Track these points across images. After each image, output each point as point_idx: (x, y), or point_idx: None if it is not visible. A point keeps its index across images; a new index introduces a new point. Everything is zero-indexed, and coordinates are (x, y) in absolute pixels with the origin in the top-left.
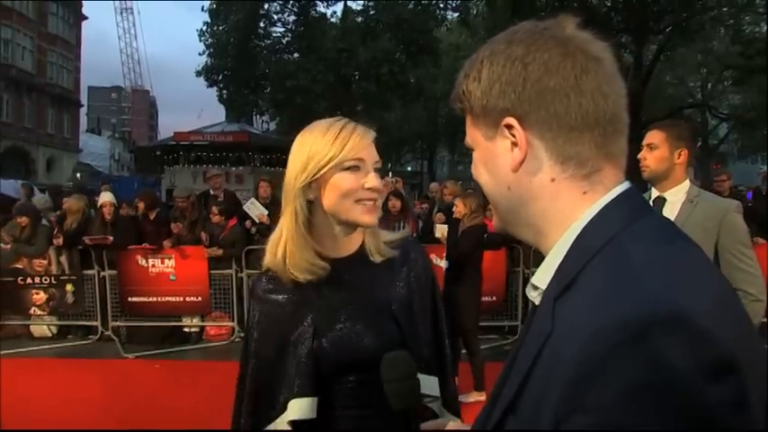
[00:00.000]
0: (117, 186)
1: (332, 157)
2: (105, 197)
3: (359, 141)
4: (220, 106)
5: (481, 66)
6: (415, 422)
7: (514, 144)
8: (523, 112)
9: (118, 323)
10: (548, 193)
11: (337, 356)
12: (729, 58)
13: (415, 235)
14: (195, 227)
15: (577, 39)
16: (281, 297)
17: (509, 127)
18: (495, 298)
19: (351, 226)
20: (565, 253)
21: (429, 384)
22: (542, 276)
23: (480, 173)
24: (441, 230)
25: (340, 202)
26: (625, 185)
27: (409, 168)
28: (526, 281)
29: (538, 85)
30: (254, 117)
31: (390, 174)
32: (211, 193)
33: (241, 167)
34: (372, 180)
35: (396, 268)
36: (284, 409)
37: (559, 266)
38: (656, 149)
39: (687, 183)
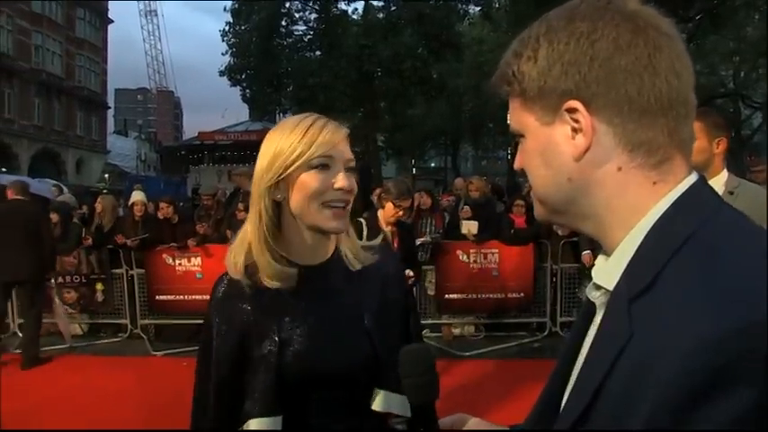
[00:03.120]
0: (145, 186)
1: (299, 155)
2: (137, 196)
3: (329, 137)
4: (244, 105)
5: (537, 44)
6: (432, 417)
7: (576, 130)
8: (589, 95)
9: (146, 321)
10: (614, 183)
11: (304, 371)
12: (764, 44)
13: (441, 231)
14: (221, 225)
15: (644, 13)
16: (244, 305)
17: (571, 111)
18: (522, 294)
19: (320, 231)
20: (635, 250)
21: (398, 403)
22: (607, 275)
23: (532, 162)
24: (467, 226)
25: (306, 204)
26: (695, 176)
27: (432, 164)
28: (555, 277)
29: (607, 64)
30: (278, 115)
31: (414, 170)
32: (241, 191)
33: None
34: (342, 180)
35: (370, 278)
36: (247, 426)
37: (630, 265)
38: (694, 140)
39: (725, 173)
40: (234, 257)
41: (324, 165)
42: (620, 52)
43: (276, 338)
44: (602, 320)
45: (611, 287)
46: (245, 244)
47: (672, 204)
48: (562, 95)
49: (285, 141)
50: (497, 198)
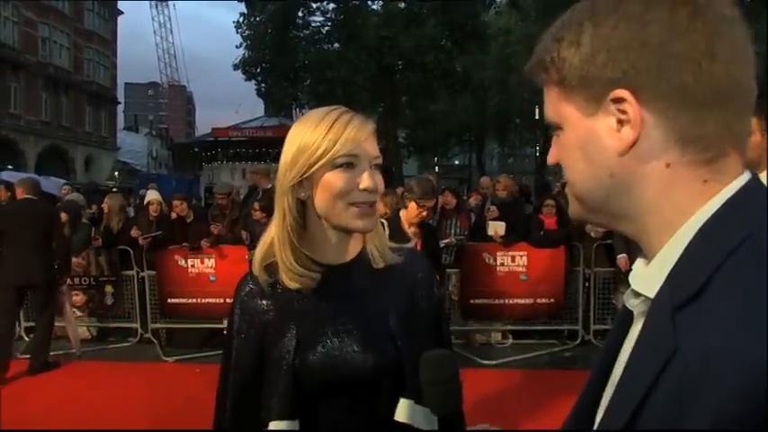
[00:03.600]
0: (156, 184)
1: (322, 153)
2: (152, 195)
3: (353, 135)
4: (259, 100)
5: (581, 28)
6: (457, 428)
7: (622, 122)
8: (639, 84)
9: (157, 325)
10: (660, 180)
11: (322, 375)
12: None
13: (466, 232)
14: (236, 225)
15: None
16: (264, 303)
17: (618, 101)
18: (553, 300)
19: (345, 231)
20: (680, 254)
21: (423, 416)
22: (647, 281)
23: (570, 157)
24: (494, 227)
25: (331, 204)
26: (748, 174)
27: (456, 162)
28: (587, 281)
29: (661, 50)
30: (294, 110)
31: (437, 168)
32: (257, 190)
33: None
34: (367, 180)
35: (397, 278)
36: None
37: (674, 270)
38: (751, 134)
39: None
40: (263, 255)
41: (349, 164)
42: (675, 37)
43: (294, 339)
44: (641, 331)
45: (651, 294)
46: (268, 241)
47: (723, 204)
48: (608, 84)
49: (309, 137)
50: (523, 199)
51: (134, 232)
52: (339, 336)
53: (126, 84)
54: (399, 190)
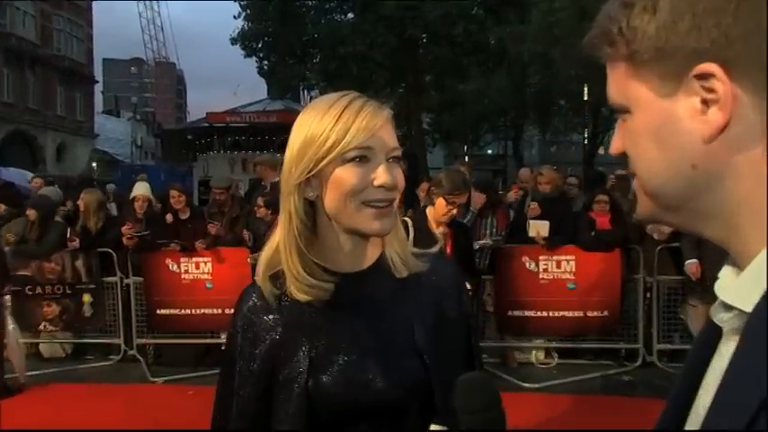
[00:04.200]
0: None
1: (331, 146)
2: (139, 188)
3: (366, 123)
4: (261, 80)
5: None
6: None
7: (709, 102)
8: (731, 55)
9: (144, 340)
10: (756, 172)
11: (338, 398)
12: None
13: (503, 233)
14: (236, 224)
15: None
16: (271, 319)
17: (703, 77)
18: (607, 313)
19: (360, 234)
20: None
21: None
22: (741, 292)
23: (641, 145)
24: (535, 227)
25: (342, 203)
26: None
27: (489, 151)
28: (649, 292)
29: (759, 14)
30: (302, 92)
31: (467, 158)
32: (262, 183)
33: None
34: (383, 175)
35: (422, 287)
36: None
37: None
38: None
39: None
40: (267, 263)
41: (362, 157)
42: None
43: (306, 358)
44: (738, 350)
45: (748, 308)
46: (273, 247)
47: None
48: (691, 57)
49: (316, 128)
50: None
51: (126, 228)
52: (357, 353)
53: (104, 60)
54: (425, 185)
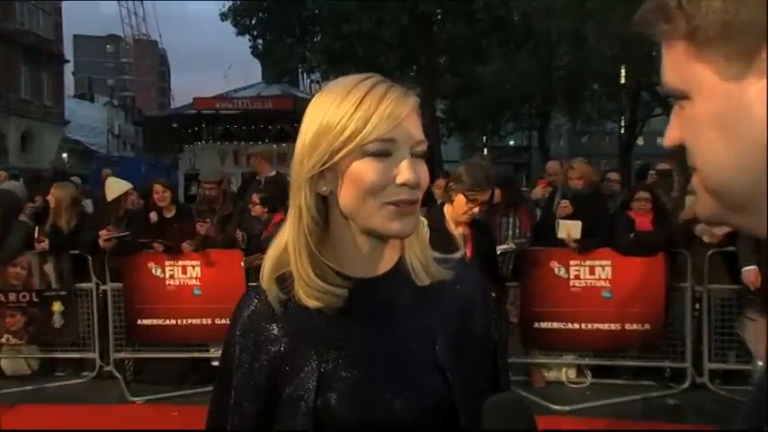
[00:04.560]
0: (118, 171)
1: (349, 137)
2: (118, 186)
3: (390, 111)
4: (255, 62)
5: None
6: None
7: None
8: None
9: (122, 355)
10: None
11: (350, 419)
12: None
13: (529, 234)
14: (228, 223)
15: None
16: (275, 327)
17: None
18: (648, 326)
19: (378, 236)
20: None
21: None
22: None
23: (703, 135)
24: (566, 228)
25: (360, 201)
26: None
27: (512, 142)
28: (698, 302)
29: None
30: (301, 76)
31: (485, 150)
32: (257, 178)
33: (285, 144)
34: (407, 171)
35: (445, 297)
36: None
37: None
38: None
39: None
40: (273, 266)
41: (383, 151)
42: None
43: (315, 374)
44: None
45: None
46: (281, 246)
47: None
48: (764, 33)
49: (333, 115)
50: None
51: (104, 232)
52: (372, 368)
53: (75, 36)
54: (440, 182)
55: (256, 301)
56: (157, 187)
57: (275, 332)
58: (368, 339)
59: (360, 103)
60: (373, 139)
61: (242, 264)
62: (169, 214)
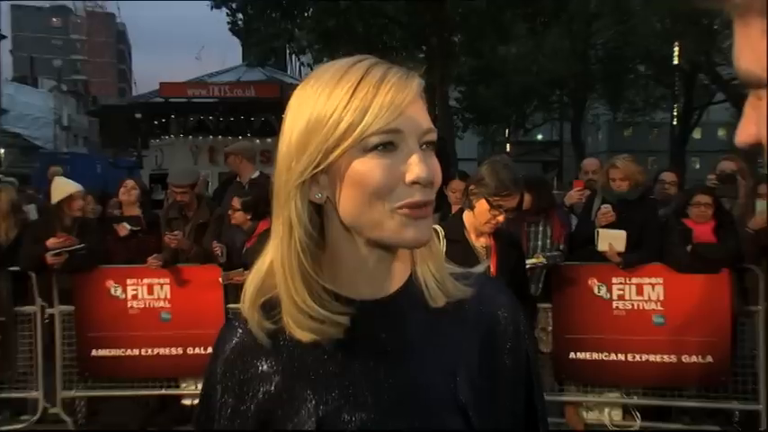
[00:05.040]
0: (69, 171)
1: (346, 131)
2: (67, 186)
3: (392, 98)
4: (233, 41)
5: None
6: None
7: None
8: None
9: (73, 393)
10: None
11: None
12: None
13: (562, 246)
14: (203, 234)
15: None
16: (264, 364)
17: None
18: (711, 359)
19: (386, 248)
20: None
21: None
22: None
23: None
24: (607, 239)
25: (366, 208)
26: None
27: (540, 137)
28: None
29: None
30: (290, 58)
31: (508, 146)
32: (237, 180)
33: (270, 139)
34: (418, 167)
35: (466, 321)
36: None
37: None
38: None
39: None
40: (257, 292)
41: (387, 144)
42: None
43: (313, 417)
44: None
45: None
46: (264, 268)
47: None
48: None
49: (324, 107)
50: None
51: (53, 241)
52: (380, 410)
53: (13, 6)
54: (455, 184)
55: (241, 331)
56: (128, 183)
57: (264, 369)
58: (374, 374)
59: (355, 90)
60: (375, 131)
61: (220, 280)
62: (138, 225)
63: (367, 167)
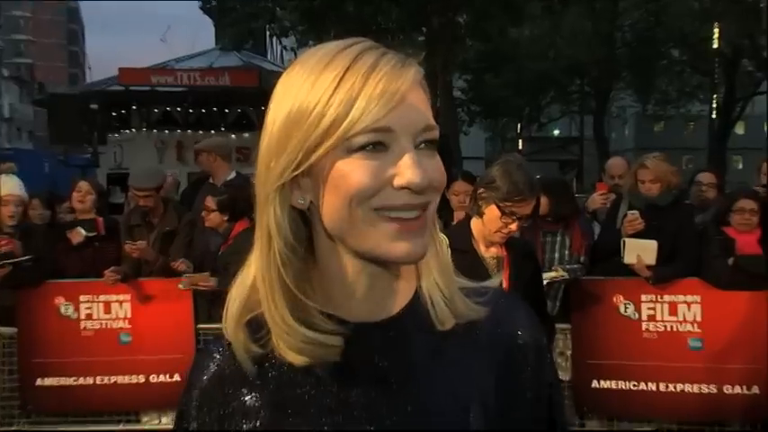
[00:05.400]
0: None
1: (330, 126)
2: (6, 186)
3: (383, 89)
4: (205, 21)
5: None
6: None
7: None
8: None
9: (14, 429)
10: None
11: None
12: None
13: (583, 258)
14: (171, 243)
15: None
16: (248, 395)
17: None
18: (757, 390)
19: (380, 262)
20: None
21: None
22: None
23: None
24: (636, 250)
25: (347, 213)
26: None
27: (556, 132)
28: None
29: None
30: (270, 41)
31: (521, 143)
32: (210, 182)
33: (248, 134)
34: (409, 170)
35: (479, 345)
36: None
37: None
38: None
39: None
40: (239, 310)
41: (376, 143)
42: None
43: None
44: None
45: None
46: (248, 281)
47: None
48: None
49: (306, 99)
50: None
51: None
52: None
53: None
54: (459, 186)
55: (220, 357)
56: (82, 185)
57: (248, 401)
58: (375, 407)
59: (341, 79)
60: (361, 129)
61: (180, 286)
62: (96, 230)
63: (351, 169)
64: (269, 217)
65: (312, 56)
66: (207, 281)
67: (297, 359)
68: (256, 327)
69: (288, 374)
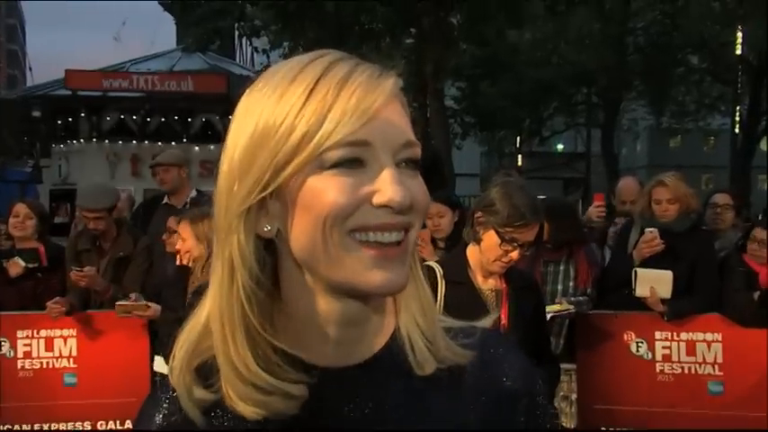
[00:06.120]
0: None
1: (300, 142)
2: None
3: (357, 102)
4: (166, 18)
5: None
6: None
7: None
8: None
9: None
10: None
11: None
12: None
13: (590, 291)
14: (125, 270)
15: None
16: None
17: None
18: None
19: (355, 295)
20: None
21: None
22: None
23: None
24: (648, 282)
25: (319, 236)
26: None
27: (560, 146)
28: None
29: None
30: (239, 42)
31: (520, 158)
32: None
33: (213, 146)
34: (389, 188)
35: (465, 395)
36: None
37: None
38: None
39: None
40: (179, 348)
41: (352, 160)
42: None
43: None
44: None
45: None
46: (200, 322)
47: None
48: None
49: (273, 112)
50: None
51: None
52: None
53: None
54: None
55: (168, 404)
56: (19, 208)
57: None
58: None
59: (312, 91)
60: (335, 142)
61: (146, 335)
62: (37, 260)
63: (324, 186)
64: (232, 247)
65: (277, 71)
66: (144, 310)
67: (252, 412)
68: (207, 373)
69: (242, 425)
